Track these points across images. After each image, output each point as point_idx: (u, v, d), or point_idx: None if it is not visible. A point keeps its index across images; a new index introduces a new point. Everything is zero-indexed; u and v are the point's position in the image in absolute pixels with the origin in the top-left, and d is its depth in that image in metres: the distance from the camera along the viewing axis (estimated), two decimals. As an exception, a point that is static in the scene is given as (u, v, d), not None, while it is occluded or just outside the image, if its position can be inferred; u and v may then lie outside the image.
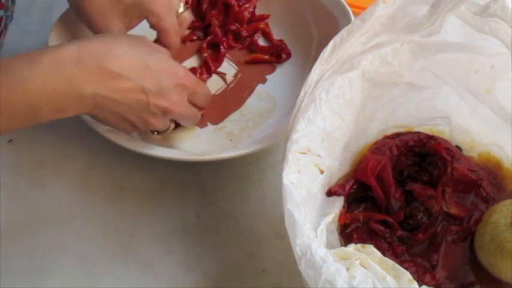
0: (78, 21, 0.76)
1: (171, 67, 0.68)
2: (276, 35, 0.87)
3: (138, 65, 0.65)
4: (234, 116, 0.80)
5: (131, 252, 0.72)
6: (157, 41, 0.75)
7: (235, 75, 0.84)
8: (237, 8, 0.85)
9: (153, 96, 0.66)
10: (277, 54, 0.85)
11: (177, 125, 0.74)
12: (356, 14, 0.80)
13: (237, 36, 0.86)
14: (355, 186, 0.70)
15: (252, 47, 0.86)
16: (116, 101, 0.64)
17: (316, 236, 0.58)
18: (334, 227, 0.66)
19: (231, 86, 0.83)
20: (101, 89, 0.63)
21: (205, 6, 0.86)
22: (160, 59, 0.67)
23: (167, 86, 0.66)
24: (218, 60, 0.84)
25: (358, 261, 0.55)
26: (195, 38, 0.86)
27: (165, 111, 0.68)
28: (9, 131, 0.63)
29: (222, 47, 0.85)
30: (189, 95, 0.70)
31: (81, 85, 0.62)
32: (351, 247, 0.59)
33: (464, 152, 0.72)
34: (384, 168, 0.69)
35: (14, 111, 0.61)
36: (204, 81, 0.82)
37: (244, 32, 0.86)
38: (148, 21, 0.75)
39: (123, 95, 0.64)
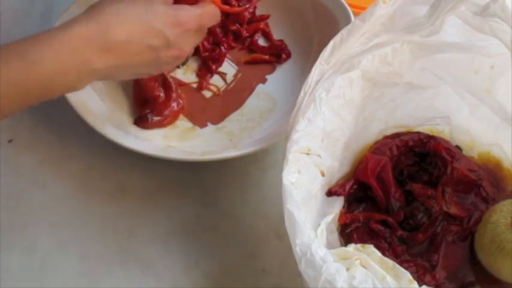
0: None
1: (172, 17, 0.68)
2: (276, 35, 0.87)
3: (141, 26, 0.66)
4: (234, 116, 0.80)
5: (131, 252, 0.72)
6: None
7: (236, 75, 0.84)
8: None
9: (163, 51, 0.67)
10: (277, 54, 0.85)
11: None
12: (356, 14, 0.80)
13: (237, 37, 0.86)
14: (355, 186, 0.70)
15: (252, 47, 0.86)
16: (128, 65, 0.67)
17: (316, 236, 0.58)
18: (334, 227, 0.66)
19: (231, 86, 0.83)
20: (112, 60, 0.65)
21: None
22: (160, 12, 0.67)
23: (173, 37, 0.67)
24: (219, 61, 0.84)
25: (358, 261, 0.55)
26: None
27: (177, 58, 0.69)
28: (22, 109, 0.65)
29: (222, 47, 0.85)
30: (197, 29, 0.70)
31: (93, 62, 0.64)
32: (351, 247, 0.59)
33: (464, 152, 0.72)
34: (384, 168, 0.69)
35: (28, 92, 0.63)
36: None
37: (245, 32, 0.86)
38: None
39: (134, 59, 0.66)
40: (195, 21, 0.69)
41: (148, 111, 0.77)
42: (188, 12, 0.69)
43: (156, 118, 0.78)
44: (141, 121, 0.77)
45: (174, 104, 0.79)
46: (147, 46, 0.66)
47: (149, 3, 0.67)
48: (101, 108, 0.76)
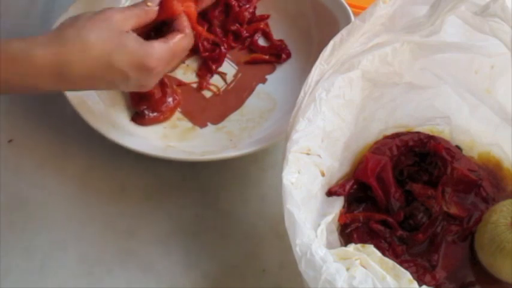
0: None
1: (139, 59, 0.66)
2: (276, 35, 0.87)
3: (103, 63, 0.65)
4: (234, 116, 0.80)
5: (131, 252, 0.72)
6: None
7: (236, 75, 0.84)
8: (237, 9, 0.86)
9: (123, 84, 0.67)
10: (277, 54, 0.85)
11: None
12: (356, 14, 0.80)
13: (237, 37, 0.86)
14: (355, 186, 0.70)
15: (252, 47, 0.86)
16: (86, 89, 0.70)
17: (316, 236, 0.58)
18: (334, 227, 0.66)
19: (231, 86, 0.83)
20: (69, 87, 0.68)
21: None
22: (126, 49, 0.65)
23: (136, 79, 0.67)
24: (219, 61, 0.84)
25: (358, 261, 0.55)
26: None
27: (140, 88, 0.70)
28: None
29: (222, 47, 0.85)
30: (166, 66, 0.70)
31: (45, 88, 0.65)
32: (351, 247, 0.59)
33: (464, 152, 0.72)
34: (384, 168, 0.69)
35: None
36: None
37: (245, 32, 0.86)
38: None
39: (92, 87, 0.69)
40: (163, 64, 0.68)
41: (144, 107, 0.77)
42: (157, 55, 0.67)
43: (152, 114, 0.78)
44: (138, 118, 0.78)
45: (169, 100, 0.79)
46: (107, 82, 0.66)
47: (116, 32, 0.65)
48: (100, 108, 0.76)
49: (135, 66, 0.66)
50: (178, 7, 0.72)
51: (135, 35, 0.67)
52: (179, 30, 0.70)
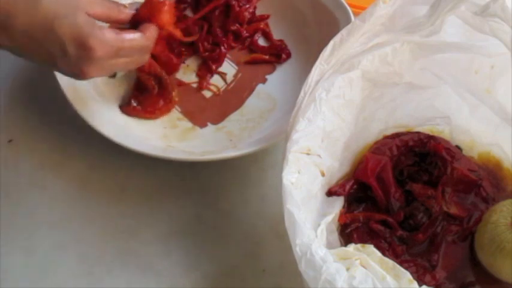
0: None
1: (82, 36, 0.63)
2: (276, 35, 0.87)
3: (46, 27, 0.62)
4: (234, 116, 0.80)
5: (131, 253, 0.72)
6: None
7: (236, 75, 0.84)
8: (237, 9, 0.85)
9: (60, 61, 0.64)
10: (277, 54, 0.85)
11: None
12: (356, 14, 0.80)
13: (237, 37, 0.86)
14: (355, 186, 0.70)
15: (252, 47, 0.86)
16: (27, 55, 0.65)
17: (316, 236, 0.58)
18: (334, 227, 0.66)
19: (231, 86, 0.83)
20: (8, 42, 0.63)
21: (204, 2, 0.87)
22: (76, 22, 0.63)
23: (74, 57, 0.63)
24: (219, 61, 0.84)
25: (358, 261, 0.55)
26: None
27: (77, 75, 0.66)
28: None
29: (222, 47, 0.85)
30: (110, 57, 0.66)
31: None
32: (351, 247, 0.59)
33: (464, 152, 0.72)
34: (384, 168, 0.69)
35: None
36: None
37: (245, 32, 0.86)
38: None
39: (30, 52, 0.64)
40: (106, 51, 0.64)
41: (135, 97, 0.78)
42: (102, 39, 0.64)
43: (138, 106, 0.78)
44: (124, 105, 0.78)
45: (161, 102, 0.79)
46: (45, 50, 0.63)
47: (74, 4, 0.63)
48: (101, 108, 0.76)
49: (76, 41, 0.62)
50: (157, 17, 0.71)
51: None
52: (140, 31, 0.68)
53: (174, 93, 0.80)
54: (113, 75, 0.77)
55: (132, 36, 0.67)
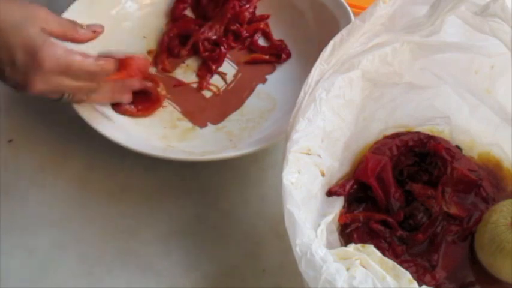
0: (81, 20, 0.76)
1: (35, 45, 0.63)
2: (276, 35, 0.87)
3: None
4: (234, 116, 0.80)
5: (131, 253, 0.72)
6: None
7: (236, 75, 0.84)
8: (237, 9, 0.86)
9: (7, 69, 0.64)
10: (277, 54, 0.85)
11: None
12: (356, 14, 0.80)
13: (237, 37, 0.86)
14: (355, 186, 0.70)
15: (252, 47, 0.86)
16: None
17: (316, 236, 0.58)
18: (334, 227, 0.66)
19: (231, 86, 0.83)
20: None
21: (204, 2, 0.87)
22: (27, 33, 0.63)
23: (23, 66, 0.64)
24: (219, 61, 0.84)
25: (358, 261, 0.55)
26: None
27: (22, 87, 0.66)
28: None
29: (222, 47, 0.85)
30: (61, 72, 0.66)
31: None
32: (351, 247, 0.59)
33: (464, 152, 0.72)
34: (384, 168, 0.69)
35: None
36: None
37: (245, 32, 0.86)
38: None
39: None
40: (55, 64, 0.64)
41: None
42: (54, 51, 0.64)
43: (129, 106, 0.78)
44: (116, 106, 0.78)
45: (150, 100, 0.79)
46: None
47: (31, 17, 0.63)
48: (101, 108, 0.76)
49: (26, 50, 0.63)
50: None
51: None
52: (94, 56, 0.69)
53: (159, 89, 0.80)
54: (60, 98, 0.70)
55: (82, 58, 0.67)
